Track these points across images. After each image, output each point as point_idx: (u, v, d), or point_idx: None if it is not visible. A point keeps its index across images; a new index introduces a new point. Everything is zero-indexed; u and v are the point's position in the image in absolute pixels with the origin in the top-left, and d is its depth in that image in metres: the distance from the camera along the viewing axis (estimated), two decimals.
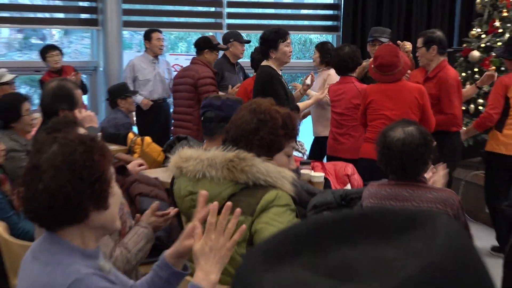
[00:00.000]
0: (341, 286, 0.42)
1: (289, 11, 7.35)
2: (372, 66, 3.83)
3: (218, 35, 5.99)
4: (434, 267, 0.41)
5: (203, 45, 5.01)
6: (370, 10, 6.40)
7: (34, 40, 6.46)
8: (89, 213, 1.39)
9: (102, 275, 1.41)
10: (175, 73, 5.59)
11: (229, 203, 1.52)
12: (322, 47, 4.82)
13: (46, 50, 5.29)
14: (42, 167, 1.38)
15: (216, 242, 1.47)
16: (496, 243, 4.11)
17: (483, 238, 4.20)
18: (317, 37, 7.82)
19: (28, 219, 1.62)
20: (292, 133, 2.07)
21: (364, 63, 4.51)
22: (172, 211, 2.17)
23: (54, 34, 6.36)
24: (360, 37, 5.92)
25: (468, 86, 4.52)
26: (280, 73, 3.86)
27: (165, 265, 1.62)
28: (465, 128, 4.29)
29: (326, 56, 4.70)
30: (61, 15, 6.09)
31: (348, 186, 3.36)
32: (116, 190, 1.51)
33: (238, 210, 1.51)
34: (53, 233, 1.45)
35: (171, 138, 4.37)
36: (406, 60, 3.95)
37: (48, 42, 6.49)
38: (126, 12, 6.13)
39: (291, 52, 3.89)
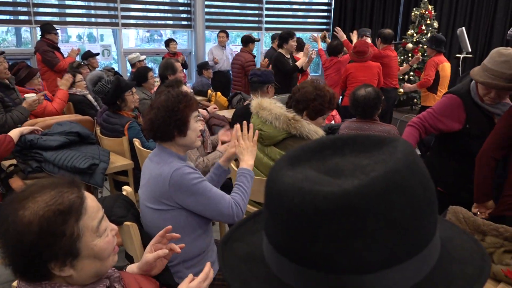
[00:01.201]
0: (333, 180, 0.50)
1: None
2: (352, 52, 4.60)
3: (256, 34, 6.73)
4: (394, 170, 0.48)
5: (247, 40, 6.07)
6: (349, 18, 7.65)
7: (156, 36, 7.64)
8: (174, 136, 1.64)
9: (190, 166, 1.65)
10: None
11: (250, 124, 1.85)
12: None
13: (169, 41, 6.41)
14: (153, 106, 1.67)
15: (247, 144, 1.82)
16: None
17: None
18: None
19: (146, 136, 1.92)
20: (332, 107, 2.22)
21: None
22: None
23: (167, 33, 7.51)
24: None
25: (404, 65, 5.59)
26: (288, 57, 4.78)
27: (219, 166, 1.91)
28: (409, 85, 5.15)
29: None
30: (170, 22, 7.31)
31: (333, 122, 3.79)
32: (195, 127, 1.69)
33: (251, 125, 1.85)
34: (161, 145, 1.69)
35: (232, 93, 5.31)
36: (373, 50, 4.75)
37: (163, 38, 7.32)
38: (208, 20, 7.25)
39: (295, 45, 4.92)
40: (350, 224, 0.47)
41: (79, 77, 4.17)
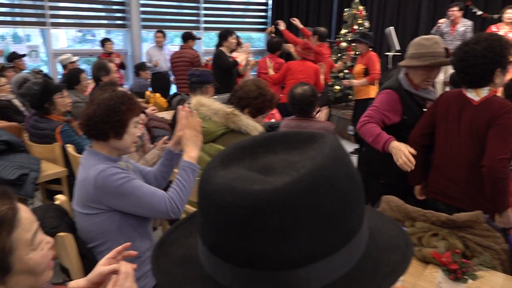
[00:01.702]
0: (264, 178, 0.50)
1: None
2: (300, 49, 4.61)
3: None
4: (322, 165, 0.50)
5: (187, 36, 5.96)
6: (286, 17, 7.37)
7: (88, 36, 7.39)
8: (110, 137, 1.59)
9: (119, 167, 1.60)
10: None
11: (193, 111, 1.80)
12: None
13: (105, 41, 6.19)
14: (94, 101, 1.60)
15: (190, 133, 1.77)
16: (353, 150, 5.27)
17: (347, 145, 5.43)
18: (256, 34, 8.83)
19: (80, 130, 1.88)
20: (273, 106, 2.30)
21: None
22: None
23: (100, 33, 7.26)
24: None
25: (339, 63, 5.86)
26: (229, 54, 4.85)
27: (169, 151, 1.89)
28: (356, 81, 5.12)
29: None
30: (104, 21, 7.05)
31: (273, 120, 3.78)
32: (133, 132, 1.64)
33: (195, 112, 1.78)
34: (90, 148, 1.64)
35: (171, 94, 5.28)
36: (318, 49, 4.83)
37: (96, 38, 7.13)
38: (144, 19, 7.11)
39: (235, 42, 4.98)
40: (281, 220, 0.47)
41: (2, 80, 3.94)
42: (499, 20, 5.82)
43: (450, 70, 5.31)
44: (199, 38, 6.50)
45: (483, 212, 1.70)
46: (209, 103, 2.15)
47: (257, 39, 9.01)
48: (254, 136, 0.60)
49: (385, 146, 2.08)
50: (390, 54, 6.13)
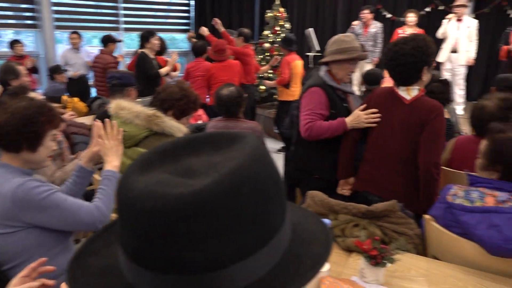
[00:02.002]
0: (186, 181, 0.50)
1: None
2: (212, 51, 4.70)
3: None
4: (242, 165, 0.50)
5: (107, 40, 5.84)
6: (209, 18, 7.34)
7: None
8: (22, 149, 1.50)
9: (36, 179, 1.51)
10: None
11: (113, 122, 1.75)
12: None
13: (14, 42, 5.74)
14: (8, 109, 1.49)
15: (110, 143, 1.73)
16: (279, 148, 5.40)
17: (274, 144, 5.67)
18: (180, 35, 8.75)
19: None
20: (197, 107, 2.31)
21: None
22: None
23: (7, 34, 6.69)
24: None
25: (266, 65, 5.90)
26: (152, 56, 4.71)
27: (81, 168, 1.76)
28: (268, 81, 5.48)
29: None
30: (12, 21, 6.50)
31: (200, 122, 3.83)
32: (49, 145, 1.56)
33: (114, 122, 1.73)
34: (1, 161, 1.53)
35: (91, 97, 5.03)
36: (234, 49, 5.01)
37: (3, 39, 6.58)
38: (57, 19, 6.70)
39: (158, 43, 4.81)
40: (203, 223, 0.47)
41: None
42: (404, 23, 6.32)
43: (364, 67, 5.97)
44: (120, 41, 6.28)
45: (413, 201, 1.82)
46: (130, 106, 2.10)
47: (181, 40, 8.89)
48: (175, 139, 0.59)
49: (345, 127, 2.24)
50: (311, 54, 6.34)
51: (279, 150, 5.38)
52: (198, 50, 5.24)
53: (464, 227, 1.54)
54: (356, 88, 5.05)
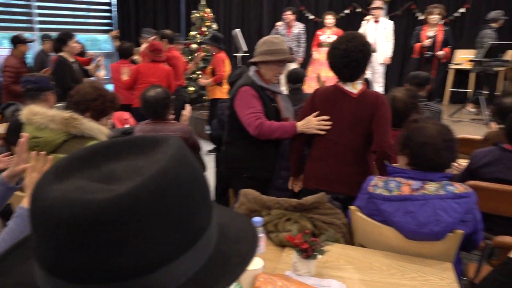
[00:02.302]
0: (107, 186, 0.48)
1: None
2: (148, 50, 4.59)
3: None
4: (166, 167, 0.50)
5: (16, 40, 5.39)
6: (133, 19, 7.74)
7: None
8: None
9: None
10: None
11: (24, 140, 1.63)
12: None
13: None
14: None
15: (35, 177, 1.56)
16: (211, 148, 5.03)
17: (205, 145, 5.20)
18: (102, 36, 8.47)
19: None
20: (115, 106, 2.27)
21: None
22: (7, 155, 2.09)
23: None
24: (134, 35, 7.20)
25: (191, 64, 5.81)
26: (72, 60, 4.49)
27: (2, 183, 1.64)
28: (204, 80, 5.32)
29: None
30: None
31: (127, 126, 3.58)
32: None
33: (42, 153, 1.56)
34: None
35: (3, 104, 4.43)
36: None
37: None
38: None
39: (78, 46, 4.67)
40: (127, 228, 0.46)
41: None
42: (323, 25, 6.62)
43: (289, 67, 6.19)
44: (31, 41, 5.78)
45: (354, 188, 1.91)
46: (43, 111, 1.99)
47: (103, 41, 8.50)
48: (93, 144, 0.57)
49: (294, 131, 2.27)
50: (239, 55, 6.41)
51: (210, 151, 5.33)
52: (124, 51, 5.04)
53: (384, 215, 1.65)
54: (284, 88, 5.17)
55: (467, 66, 7.09)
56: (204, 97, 6.57)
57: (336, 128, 2.21)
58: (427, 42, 5.80)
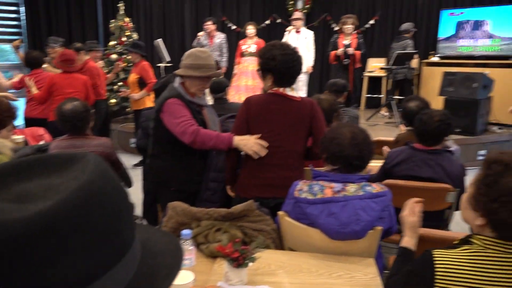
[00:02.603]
0: (22, 206, 0.46)
1: None
2: (59, 61, 4.34)
3: None
4: (88, 182, 0.49)
5: None
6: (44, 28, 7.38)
7: None
8: None
9: None
10: None
11: None
12: None
13: None
14: None
15: None
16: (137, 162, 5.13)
17: (131, 159, 5.33)
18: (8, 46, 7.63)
19: None
20: (13, 115, 2.27)
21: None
22: None
23: None
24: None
25: (110, 74, 5.67)
26: None
27: None
28: (136, 95, 5.02)
29: None
30: None
31: (42, 142, 3.34)
32: None
33: None
34: None
35: None
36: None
37: None
38: None
39: None
40: (48, 247, 0.44)
41: None
42: (245, 35, 6.78)
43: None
44: None
45: None
46: None
47: (11, 52, 7.85)
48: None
49: (230, 143, 2.21)
50: (162, 65, 6.30)
51: (136, 165, 5.19)
52: (33, 61, 4.69)
53: (310, 218, 1.72)
54: (209, 98, 5.17)
55: (380, 73, 7.67)
56: (127, 109, 6.35)
57: (276, 134, 2.22)
58: (339, 51, 6.16)
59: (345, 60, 6.17)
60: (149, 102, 5.00)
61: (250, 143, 2.19)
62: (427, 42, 7.76)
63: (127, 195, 0.56)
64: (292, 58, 2.18)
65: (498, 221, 1.18)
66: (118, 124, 6.17)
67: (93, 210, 0.48)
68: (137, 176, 3.55)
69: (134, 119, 5.32)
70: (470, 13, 6.92)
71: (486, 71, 5.87)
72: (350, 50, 5.87)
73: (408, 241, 1.54)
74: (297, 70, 2.22)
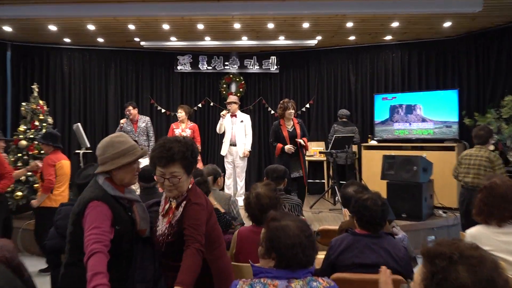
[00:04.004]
0: None
1: None
2: None
3: None
4: None
5: None
6: None
7: None
8: None
9: None
10: None
11: None
12: None
13: None
14: None
15: None
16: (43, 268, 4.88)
17: (35, 263, 4.89)
18: None
19: None
20: None
21: None
22: None
23: None
24: None
25: (22, 170, 5.29)
26: None
27: None
28: (35, 201, 4.97)
29: None
30: None
31: None
32: None
33: None
34: None
35: None
36: None
37: None
38: None
39: None
40: None
41: None
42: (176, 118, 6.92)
43: (140, 165, 6.04)
44: None
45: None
46: None
47: None
48: None
49: None
50: (81, 151, 6.16)
51: (43, 270, 4.84)
52: None
53: None
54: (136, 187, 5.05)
55: (320, 157, 8.06)
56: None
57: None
58: (287, 148, 5.80)
59: (294, 147, 5.91)
60: (54, 201, 4.86)
61: None
62: (363, 126, 8.40)
63: None
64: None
65: None
66: (23, 221, 5.75)
67: None
68: (44, 284, 3.27)
69: (36, 217, 5.14)
70: (402, 98, 7.70)
71: (424, 154, 6.36)
72: (301, 142, 5.81)
73: None
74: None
